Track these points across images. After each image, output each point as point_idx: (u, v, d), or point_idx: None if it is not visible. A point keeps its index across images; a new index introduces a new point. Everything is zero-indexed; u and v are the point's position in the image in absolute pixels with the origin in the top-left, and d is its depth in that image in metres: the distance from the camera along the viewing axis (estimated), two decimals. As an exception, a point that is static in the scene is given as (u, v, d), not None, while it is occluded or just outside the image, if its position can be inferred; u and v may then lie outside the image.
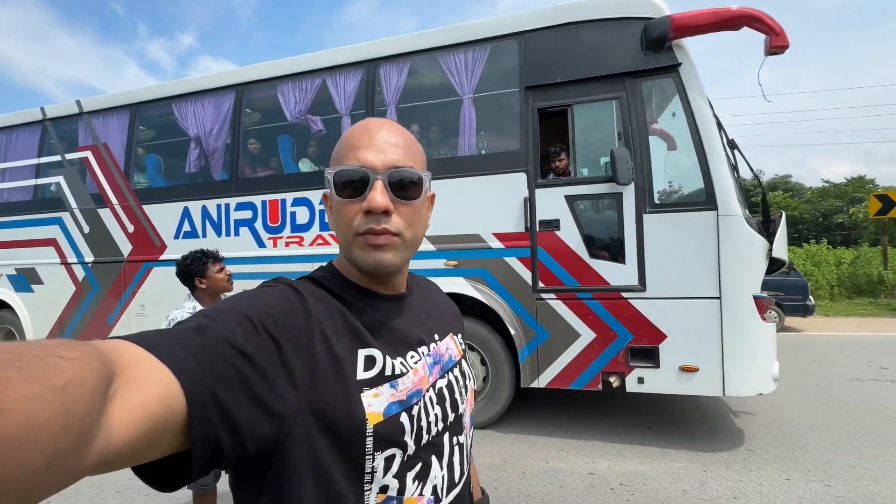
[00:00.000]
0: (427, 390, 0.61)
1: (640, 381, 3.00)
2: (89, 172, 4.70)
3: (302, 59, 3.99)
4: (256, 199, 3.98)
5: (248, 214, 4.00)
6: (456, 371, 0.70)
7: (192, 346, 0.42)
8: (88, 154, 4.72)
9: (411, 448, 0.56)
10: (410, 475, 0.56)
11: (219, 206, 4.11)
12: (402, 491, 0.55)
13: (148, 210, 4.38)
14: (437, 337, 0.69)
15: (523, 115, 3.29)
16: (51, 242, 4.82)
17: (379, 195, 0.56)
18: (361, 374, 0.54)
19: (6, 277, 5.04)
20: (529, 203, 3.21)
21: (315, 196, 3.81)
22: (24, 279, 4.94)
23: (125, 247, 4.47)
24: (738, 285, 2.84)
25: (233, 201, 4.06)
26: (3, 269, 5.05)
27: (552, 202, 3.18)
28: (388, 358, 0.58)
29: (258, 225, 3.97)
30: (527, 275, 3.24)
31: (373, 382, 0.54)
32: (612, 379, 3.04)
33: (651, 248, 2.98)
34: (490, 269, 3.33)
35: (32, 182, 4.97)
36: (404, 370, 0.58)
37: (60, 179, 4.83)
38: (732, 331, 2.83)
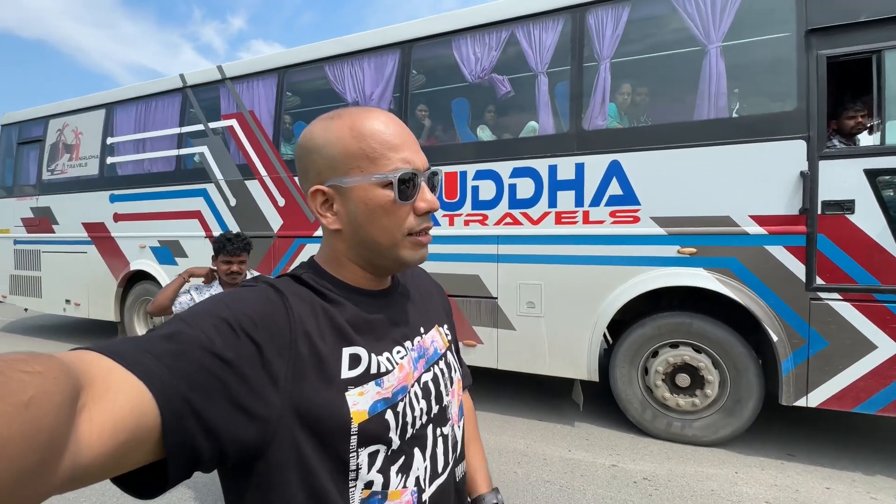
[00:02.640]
0: (412, 386, 0.61)
1: (971, 411, 2.33)
2: (234, 142, 4.47)
3: (485, 10, 3.44)
4: (430, 172, 3.55)
5: (418, 188, 3.59)
6: (441, 364, 0.69)
7: (165, 353, 0.41)
8: (233, 122, 4.48)
9: (395, 443, 0.56)
10: (394, 469, 0.56)
11: (383, 179, 3.73)
12: (386, 485, 0.55)
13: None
14: (422, 330, 0.68)
15: (803, 67, 2.59)
16: (195, 215, 4.68)
17: (430, 196, 0.59)
18: (346, 373, 0.54)
19: (149, 249, 5.01)
20: (810, 179, 2.55)
21: (503, 168, 3.31)
22: (168, 252, 4.87)
23: (275, 221, 4.23)
24: None
25: (401, 173, 3.66)
26: (146, 240, 5.01)
27: (844, 177, 2.50)
28: (373, 355, 0.57)
29: (431, 200, 3.55)
30: (798, 268, 2.61)
31: (358, 381, 0.54)
32: (923, 405, 2.39)
33: None
34: (743, 258, 2.72)
35: (174, 152, 4.84)
36: (390, 367, 0.58)
37: (204, 149, 4.64)
38: None
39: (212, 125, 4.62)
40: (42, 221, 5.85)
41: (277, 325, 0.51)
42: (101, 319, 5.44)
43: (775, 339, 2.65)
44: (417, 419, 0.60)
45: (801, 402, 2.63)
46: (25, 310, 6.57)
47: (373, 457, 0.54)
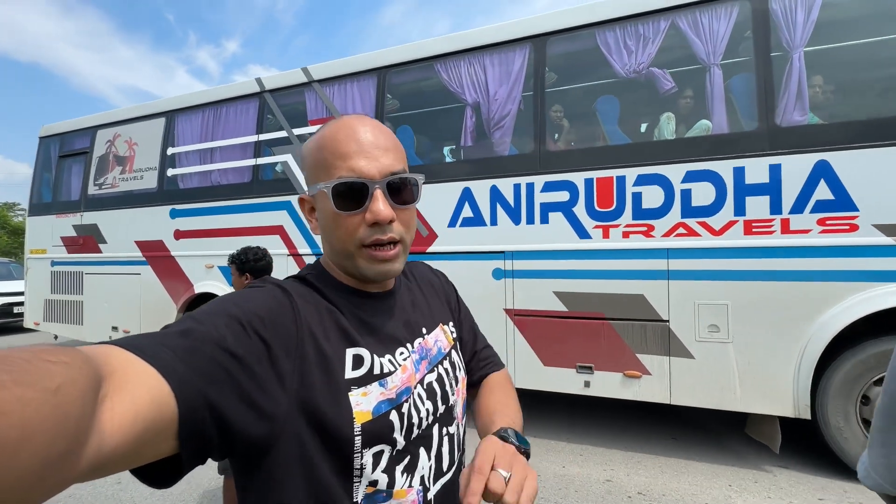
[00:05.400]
0: (415, 387, 0.61)
1: None
2: (325, 149, 4.03)
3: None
4: (577, 177, 3.13)
5: (563, 196, 3.17)
6: (446, 363, 0.70)
7: (181, 348, 0.42)
8: (323, 128, 4.06)
9: (400, 444, 0.57)
10: (399, 468, 0.56)
11: (517, 187, 3.30)
12: (391, 484, 0.55)
13: (409, 192, 3.64)
14: (424, 331, 0.69)
15: None
16: (276, 230, 4.20)
17: (382, 206, 0.57)
18: (350, 374, 0.55)
19: (217, 269, 4.49)
20: None
21: (673, 172, 2.90)
22: (242, 272, 4.35)
23: (377, 236, 3.76)
24: None
25: (539, 180, 3.24)
26: (214, 259, 4.50)
27: None
28: (375, 357, 0.58)
29: (579, 210, 3.12)
30: None
31: (361, 381, 0.55)
32: None
33: None
34: None
35: (251, 162, 4.39)
36: (392, 368, 0.59)
37: (287, 158, 4.20)
38: None
39: (297, 132, 4.19)
40: (87, 240, 5.32)
41: (285, 324, 0.52)
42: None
43: None
44: (424, 420, 0.60)
45: None
46: (55, 337, 5.97)
47: (377, 457, 0.54)
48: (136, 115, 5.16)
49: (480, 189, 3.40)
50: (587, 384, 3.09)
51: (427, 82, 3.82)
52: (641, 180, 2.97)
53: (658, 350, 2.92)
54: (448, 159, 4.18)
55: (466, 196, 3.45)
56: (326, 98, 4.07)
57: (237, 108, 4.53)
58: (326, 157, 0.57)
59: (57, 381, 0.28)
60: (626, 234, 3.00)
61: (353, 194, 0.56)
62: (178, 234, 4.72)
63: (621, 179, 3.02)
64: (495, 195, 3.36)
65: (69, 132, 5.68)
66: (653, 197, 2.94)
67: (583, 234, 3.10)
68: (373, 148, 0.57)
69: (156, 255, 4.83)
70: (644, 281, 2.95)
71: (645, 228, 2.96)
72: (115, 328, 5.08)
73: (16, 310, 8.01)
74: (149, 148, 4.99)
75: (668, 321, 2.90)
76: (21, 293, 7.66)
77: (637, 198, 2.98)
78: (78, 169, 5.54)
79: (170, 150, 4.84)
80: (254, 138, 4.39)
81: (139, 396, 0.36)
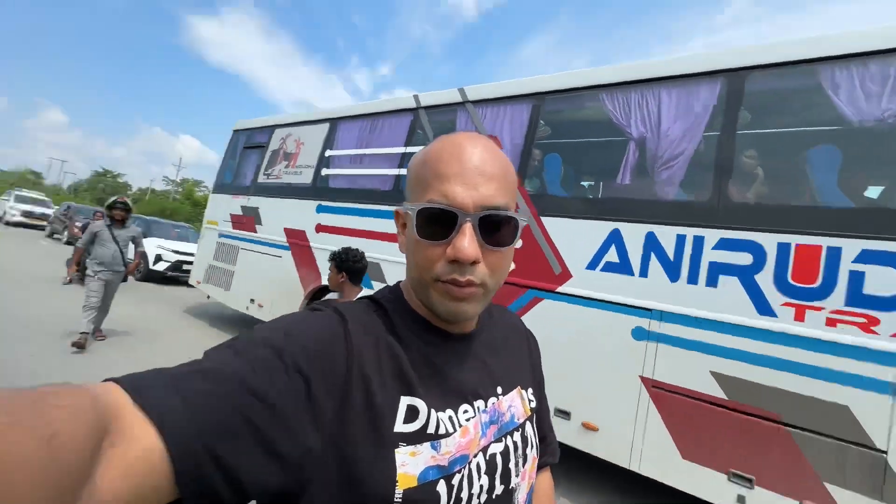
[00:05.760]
0: (475, 455, 0.52)
1: None
2: (467, 168, 4.02)
3: (888, 30, 2.46)
4: (767, 239, 2.55)
5: (743, 258, 2.60)
6: (516, 435, 0.59)
7: (196, 393, 0.38)
8: (469, 147, 4.06)
9: None
10: None
11: (680, 238, 2.82)
12: None
13: (548, 224, 3.39)
14: (500, 390, 0.59)
15: None
16: (405, 240, 4.29)
17: (468, 244, 0.48)
18: (400, 426, 0.47)
19: (345, 266, 4.75)
20: None
21: (922, 253, 2.17)
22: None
23: (504, 264, 3.57)
24: None
25: (713, 234, 2.72)
26: (345, 257, 4.77)
27: None
28: (433, 411, 0.50)
29: (764, 279, 2.52)
30: None
31: (412, 438, 0.47)
32: None
33: None
34: None
35: (395, 171, 4.59)
36: (451, 429, 0.50)
37: (429, 172, 4.29)
38: None
39: (442, 148, 4.26)
40: (248, 220, 6.13)
41: (333, 359, 0.46)
42: (279, 327, 5.32)
43: None
44: (475, 497, 0.50)
45: None
46: (208, 297, 6.95)
47: None
48: (308, 119, 5.84)
49: (633, 233, 2.99)
50: (741, 499, 2.42)
51: (586, 111, 3.56)
52: (867, 257, 2.27)
53: (862, 487, 2.15)
54: (588, 195, 3.84)
55: (614, 238, 3.06)
56: (477, 119, 4.07)
57: (392, 121, 4.82)
58: (426, 174, 0.51)
59: (54, 428, 0.27)
60: (831, 322, 2.31)
61: (439, 222, 0.49)
62: (319, 228, 5.14)
63: (835, 251, 2.35)
64: (651, 243, 2.91)
65: (255, 128, 6.70)
66: (883, 281, 2.22)
67: (764, 309, 2.49)
68: (476, 174, 0.49)
69: (297, 243, 5.32)
70: (853, 389, 2.22)
71: (864, 320, 2.24)
72: (252, 300, 5.71)
73: (185, 267, 9.66)
74: (311, 148, 5.59)
75: (885, 452, 2.12)
76: (191, 254, 9.27)
77: (857, 278, 2.28)
78: (254, 159, 6.48)
79: (327, 153, 5.35)
80: (401, 150, 4.59)
81: (130, 451, 0.34)
